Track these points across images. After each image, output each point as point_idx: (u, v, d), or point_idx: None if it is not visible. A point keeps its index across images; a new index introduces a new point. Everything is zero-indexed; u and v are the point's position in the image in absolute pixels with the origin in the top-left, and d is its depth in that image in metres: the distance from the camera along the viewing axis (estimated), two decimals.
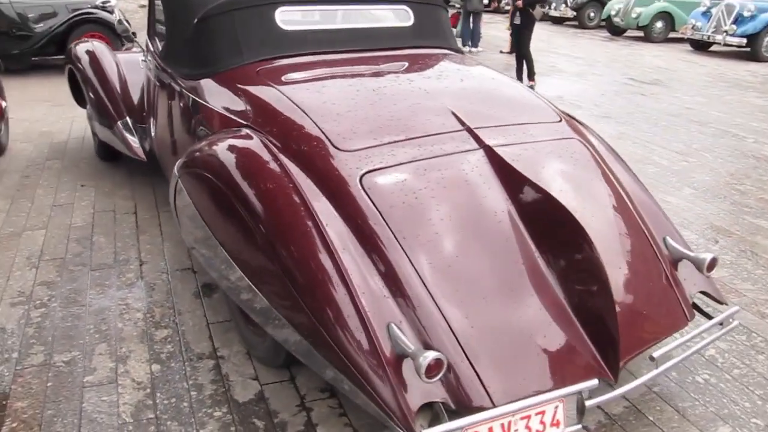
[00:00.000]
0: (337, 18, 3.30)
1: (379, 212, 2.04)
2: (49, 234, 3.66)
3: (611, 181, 2.44)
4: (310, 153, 2.23)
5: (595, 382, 1.87)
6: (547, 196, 2.15)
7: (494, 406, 1.78)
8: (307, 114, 2.38)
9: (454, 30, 8.58)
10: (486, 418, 1.75)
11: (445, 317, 1.88)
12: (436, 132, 2.37)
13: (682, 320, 2.23)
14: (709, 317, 2.36)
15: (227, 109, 2.68)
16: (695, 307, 2.36)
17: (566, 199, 2.16)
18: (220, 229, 2.29)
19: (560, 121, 2.67)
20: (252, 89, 2.68)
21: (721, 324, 2.31)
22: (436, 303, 1.89)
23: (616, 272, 2.09)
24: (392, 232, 2.00)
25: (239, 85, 2.74)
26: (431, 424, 1.78)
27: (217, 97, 2.80)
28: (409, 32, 3.25)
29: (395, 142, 2.28)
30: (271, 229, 2.05)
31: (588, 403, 1.88)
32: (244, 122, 2.51)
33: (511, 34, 8.93)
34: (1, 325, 2.75)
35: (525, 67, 8.04)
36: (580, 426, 1.91)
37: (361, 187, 2.09)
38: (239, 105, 2.65)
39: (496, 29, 13.93)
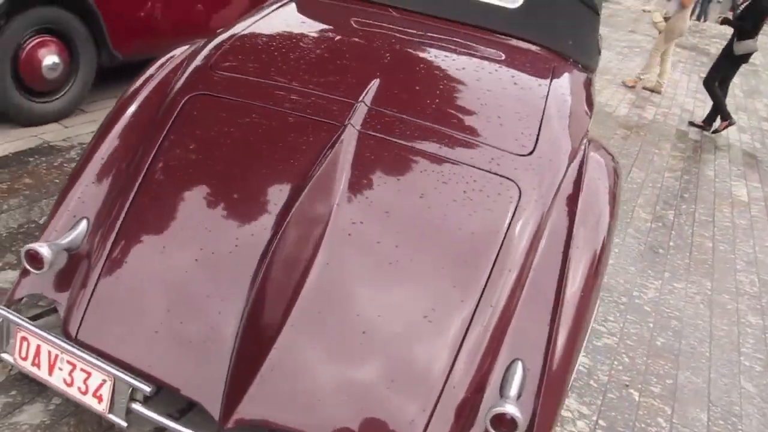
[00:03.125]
0: None
1: (169, 128, 1.98)
2: None
3: (480, 258, 1.74)
4: (196, 67, 2.21)
5: (146, 388, 1.58)
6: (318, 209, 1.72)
7: (73, 338, 1.66)
8: (244, 37, 2.37)
9: None
10: (39, 333, 1.67)
11: (115, 237, 1.77)
12: (324, 92, 2.08)
13: None
14: None
15: None
16: None
17: (338, 232, 1.72)
18: None
19: (527, 155, 1.98)
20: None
21: None
22: (122, 222, 1.79)
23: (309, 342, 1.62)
24: (159, 146, 1.93)
25: None
26: (36, 318, 1.82)
27: None
28: (509, 17, 2.69)
29: (267, 82, 2.11)
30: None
31: (133, 405, 1.62)
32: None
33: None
34: None
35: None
36: (125, 424, 1.63)
37: (180, 103, 2.05)
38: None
39: None
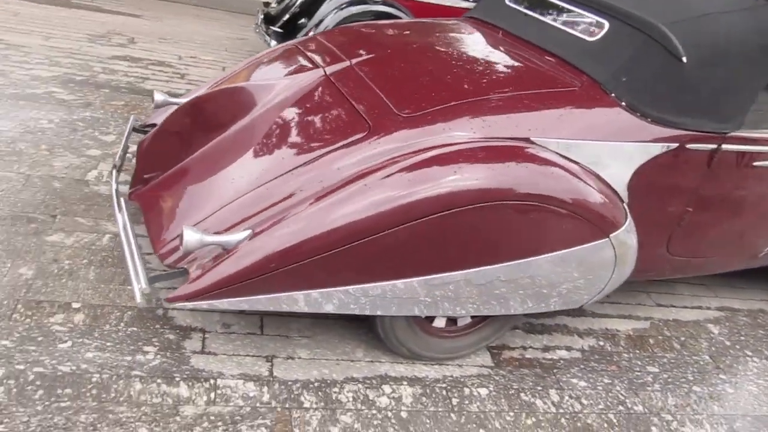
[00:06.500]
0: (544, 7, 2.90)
1: (260, 57, 2.99)
2: None
3: (294, 158, 2.19)
4: (316, 34, 3.16)
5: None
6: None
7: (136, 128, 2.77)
8: (363, 25, 3.19)
9: None
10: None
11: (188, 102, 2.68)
12: (343, 55, 2.67)
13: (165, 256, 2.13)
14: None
15: None
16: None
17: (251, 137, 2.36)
18: None
19: (404, 116, 2.19)
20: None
21: None
22: (202, 92, 2.79)
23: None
24: (244, 67, 2.92)
25: None
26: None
27: None
28: (582, 48, 2.55)
29: (330, 48, 2.83)
30: None
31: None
32: None
33: None
34: None
35: None
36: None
37: (283, 48, 3.00)
38: None
39: None
